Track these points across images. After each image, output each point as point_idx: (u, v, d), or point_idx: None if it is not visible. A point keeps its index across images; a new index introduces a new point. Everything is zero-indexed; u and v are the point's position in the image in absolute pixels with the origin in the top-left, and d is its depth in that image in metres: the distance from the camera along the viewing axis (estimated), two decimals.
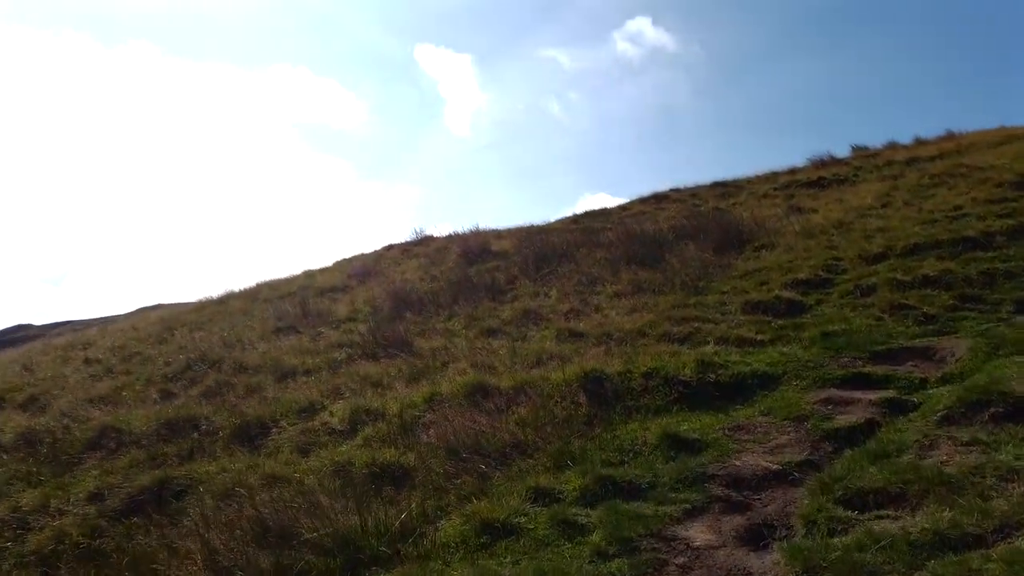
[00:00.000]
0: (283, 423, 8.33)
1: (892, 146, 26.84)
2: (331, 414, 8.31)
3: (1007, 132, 22.81)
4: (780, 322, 9.89)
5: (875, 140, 26.95)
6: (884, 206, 15.91)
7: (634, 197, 25.11)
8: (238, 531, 5.56)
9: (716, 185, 25.35)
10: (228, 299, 18.47)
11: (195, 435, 8.35)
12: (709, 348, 9.05)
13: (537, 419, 6.97)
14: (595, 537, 4.84)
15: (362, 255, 21.87)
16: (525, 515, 5.28)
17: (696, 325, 10.10)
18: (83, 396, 11.12)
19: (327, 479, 6.51)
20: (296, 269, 21.69)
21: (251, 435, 8.20)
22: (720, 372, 7.64)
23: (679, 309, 10.99)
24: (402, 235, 23.01)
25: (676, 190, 24.81)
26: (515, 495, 5.59)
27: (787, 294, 10.72)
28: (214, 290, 20.99)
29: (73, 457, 8.36)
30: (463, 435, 6.67)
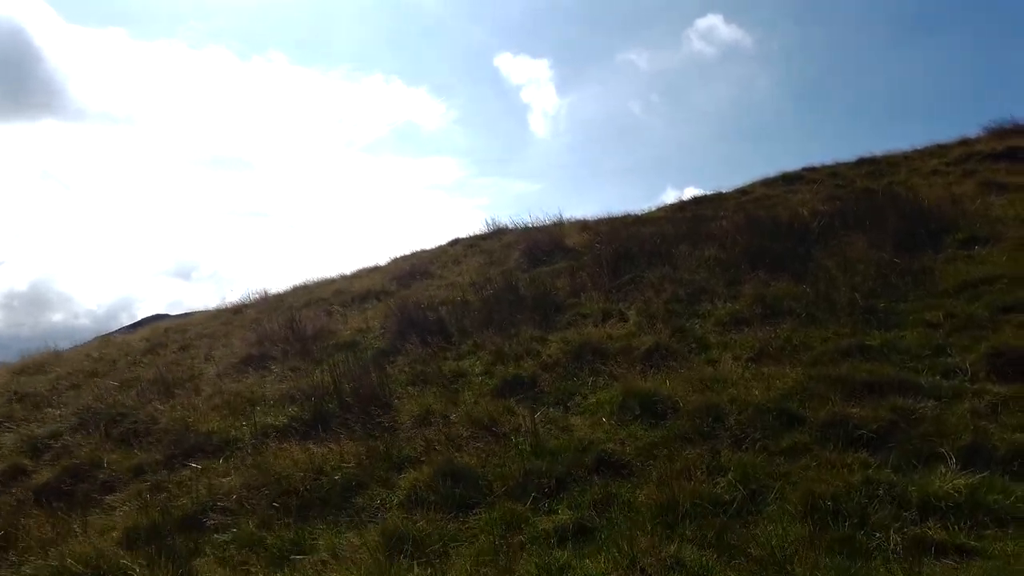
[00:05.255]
0: None
1: None
2: None
3: None
4: None
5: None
6: None
7: (755, 179, 19.07)
8: None
9: (862, 162, 18.87)
10: (246, 307, 14.36)
11: None
12: (951, 481, 3.67)
13: None
14: None
15: (421, 252, 17.27)
16: None
17: (894, 401, 4.70)
18: None
19: None
20: (349, 268, 17.37)
21: None
22: None
23: (850, 360, 5.59)
24: (475, 228, 18.00)
25: (811, 168, 18.54)
26: None
27: None
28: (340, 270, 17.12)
29: None
30: None
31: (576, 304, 9.03)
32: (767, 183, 18.86)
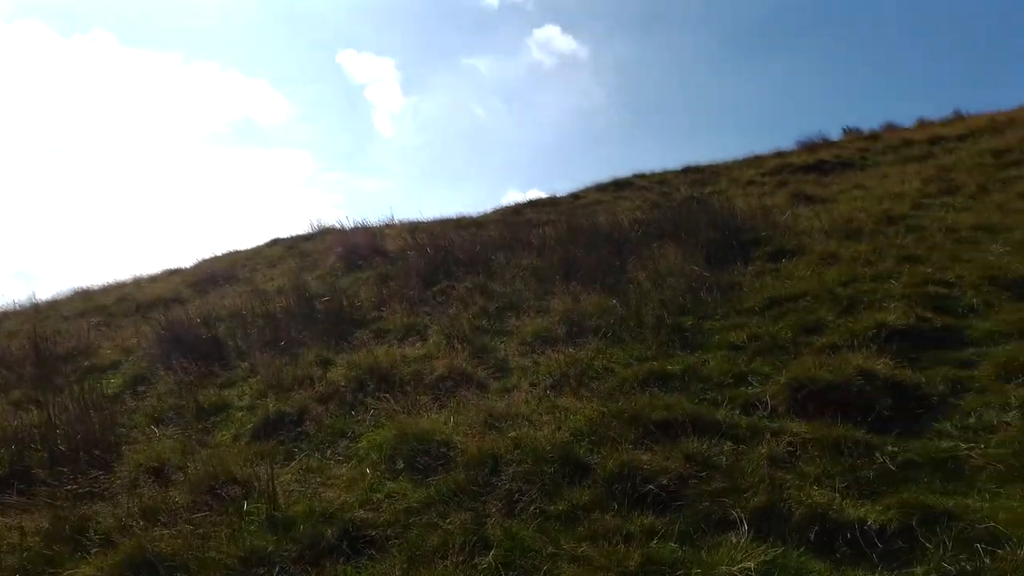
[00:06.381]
0: None
1: (891, 128, 20.91)
2: None
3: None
4: (892, 447, 3.89)
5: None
6: (946, 193, 10.05)
7: (589, 184, 18.93)
8: None
9: (688, 170, 19.39)
10: (8, 317, 12.07)
11: None
12: (740, 562, 2.99)
13: None
14: None
15: (234, 253, 15.52)
16: None
17: (688, 446, 4.07)
18: None
19: None
20: (148, 271, 15.23)
21: None
22: None
23: (649, 391, 4.96)
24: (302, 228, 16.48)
25: (641, 175, 18.74)
26: None
27: (881, 366, 4.70)
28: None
29: None
30: None
31: (379, 318, 8.00)
32: (600, 188, 18.82)
